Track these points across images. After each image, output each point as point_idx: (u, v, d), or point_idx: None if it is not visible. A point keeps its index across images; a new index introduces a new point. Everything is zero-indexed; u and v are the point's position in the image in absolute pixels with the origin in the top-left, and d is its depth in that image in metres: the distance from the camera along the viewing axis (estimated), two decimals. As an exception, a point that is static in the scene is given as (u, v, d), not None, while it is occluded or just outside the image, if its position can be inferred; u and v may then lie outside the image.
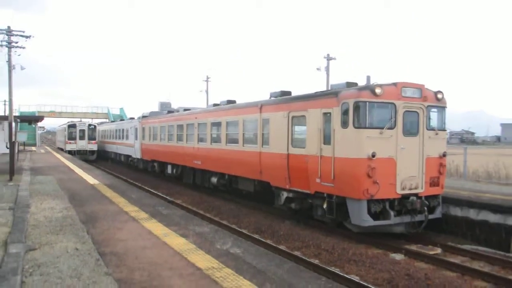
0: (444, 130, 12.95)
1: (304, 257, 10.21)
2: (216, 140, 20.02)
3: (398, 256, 10.82)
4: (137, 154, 31.62)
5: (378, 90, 11.46)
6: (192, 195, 21.27)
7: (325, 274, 8.46)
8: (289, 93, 16.32)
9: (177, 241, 8.54)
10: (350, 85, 13.12)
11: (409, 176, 11.98)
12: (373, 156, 11.33)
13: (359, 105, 11.49)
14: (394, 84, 11.92)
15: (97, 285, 6.01)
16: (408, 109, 12.09)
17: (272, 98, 16.08)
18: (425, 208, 12.05)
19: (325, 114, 12.64)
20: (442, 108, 12.85)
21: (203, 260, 7.31)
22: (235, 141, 18.19)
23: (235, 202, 19.13)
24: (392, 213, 11.70)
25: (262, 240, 11.87)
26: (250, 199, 18.87)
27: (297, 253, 10.74)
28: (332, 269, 9.35)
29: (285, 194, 14.81)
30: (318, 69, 37.42)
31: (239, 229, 13.40)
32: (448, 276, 9.42)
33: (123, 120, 44.79)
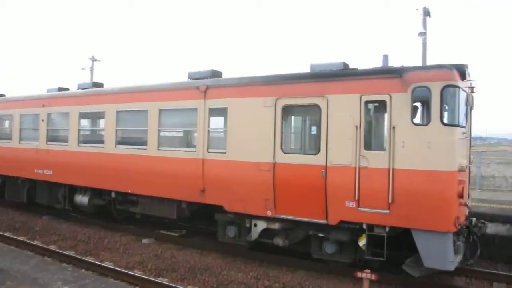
0: None
1: (58, 250, 9.49)
2: (91, 139, 11.66)
3: (149, 240, 10.74)
4: None
5: (467, 72, 6.98)
6: None
7: (81, 264, 8.37)
8: (219, 73, 10.01)
9: None
10: (346, 66, 8.22)
11: (468, 190, 7.96)
12: (466, 166, 6.83)
13: (449, 92, 6.73)
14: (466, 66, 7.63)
15: None
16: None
17: (219, 78, 9.48)
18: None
19: (369, 103, 7.35)
20: None
21: None
22: (137, 141, 10.57)
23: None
24: (461, 244, 7.44)
25: (15, 238, 10.39)
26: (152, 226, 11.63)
27: (52, 247, 9.88)
28: (88, 258, 8.95)
29: (261, 225, 8.60)
30: (83, 69, 33.98)
31: (-12, 230, 11.37)
32: (208, 262, 9.10)
33: None
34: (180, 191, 9.56)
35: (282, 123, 8.19)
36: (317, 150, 7.82)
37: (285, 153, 8.15)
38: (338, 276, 8.18)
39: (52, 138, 12.39)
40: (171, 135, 10.46)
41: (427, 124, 6.77)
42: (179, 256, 9.22)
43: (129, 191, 10.60)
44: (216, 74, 9.94)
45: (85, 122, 12.18)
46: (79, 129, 11.66)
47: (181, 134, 10.42)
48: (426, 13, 17.60)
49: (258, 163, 8.34)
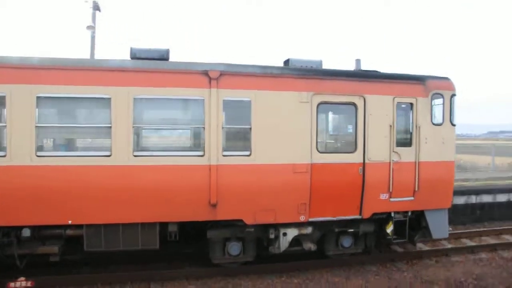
0: None
1: None
2: None
3: None
4: None
5: (449, 83, 8.79)
6: None
7: None
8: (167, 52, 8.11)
9: None
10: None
11: None
12: None
13: (454, 99, 8.34)
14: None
15: None
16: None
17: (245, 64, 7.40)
18: None
19: (399, 104, 7.99)
20: None
21: None
22: (86, 145, 6.80)
23: None
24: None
25: None
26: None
27: None
28: None
29: (292, 233, 7.68)
30: None
31: None
32: None
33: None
34: (174, 211, 7.01)
35: (317, 121, 7.61)
36: (353, 148, 7.84)
37: (320, 152, 7.64)
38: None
39: None
40: (156, 134, 7.30)
41: (441, 124, 8.27)
42: None
43: (69, 222, 6.67)
44: (167, 55, 7.74)
45: None
46: None
47: (174, 133, 7.44)
48: (96, 7, 17.99)
49: (294, 165, 7.41)
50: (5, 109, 6.37)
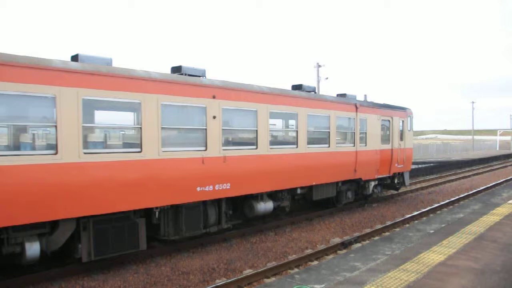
0: None
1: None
2: (281, 141, 10.67)
3: None
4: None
5: (405, 111, 17.99)
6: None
7: None
8: (300, 86, 14.76)
9: None
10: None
11: None
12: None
13: (413, 118, 17.57)
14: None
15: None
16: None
17: (356, 99, 14.13)
18: None
19: (401, 121, 16.58)
20: None
21: None
22: (321, 141, 12.35)
23: None
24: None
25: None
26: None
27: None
28: None
29: (373, 184, 15.18)
30: None
31: None
32: None
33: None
34: (344, 174, 13.49)
35: (381, 129, 15.37)
36: (388, 142, 15.97)
37: (381, 144, 15.44)
38: None
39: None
40: (340, 136, 13.11)
41: (410, 130, 17.41)
42: None
43: (313, 183, 12.12)
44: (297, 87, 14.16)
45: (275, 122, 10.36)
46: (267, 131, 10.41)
47: (344, 135, 13.36)
48: None
49: (376, 150, 15.00)
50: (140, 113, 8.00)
